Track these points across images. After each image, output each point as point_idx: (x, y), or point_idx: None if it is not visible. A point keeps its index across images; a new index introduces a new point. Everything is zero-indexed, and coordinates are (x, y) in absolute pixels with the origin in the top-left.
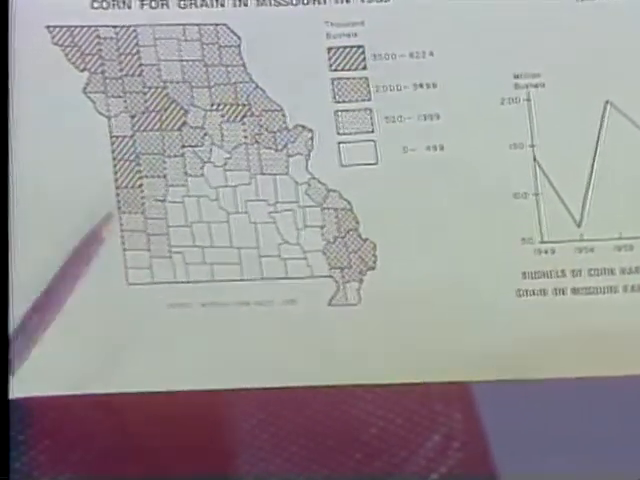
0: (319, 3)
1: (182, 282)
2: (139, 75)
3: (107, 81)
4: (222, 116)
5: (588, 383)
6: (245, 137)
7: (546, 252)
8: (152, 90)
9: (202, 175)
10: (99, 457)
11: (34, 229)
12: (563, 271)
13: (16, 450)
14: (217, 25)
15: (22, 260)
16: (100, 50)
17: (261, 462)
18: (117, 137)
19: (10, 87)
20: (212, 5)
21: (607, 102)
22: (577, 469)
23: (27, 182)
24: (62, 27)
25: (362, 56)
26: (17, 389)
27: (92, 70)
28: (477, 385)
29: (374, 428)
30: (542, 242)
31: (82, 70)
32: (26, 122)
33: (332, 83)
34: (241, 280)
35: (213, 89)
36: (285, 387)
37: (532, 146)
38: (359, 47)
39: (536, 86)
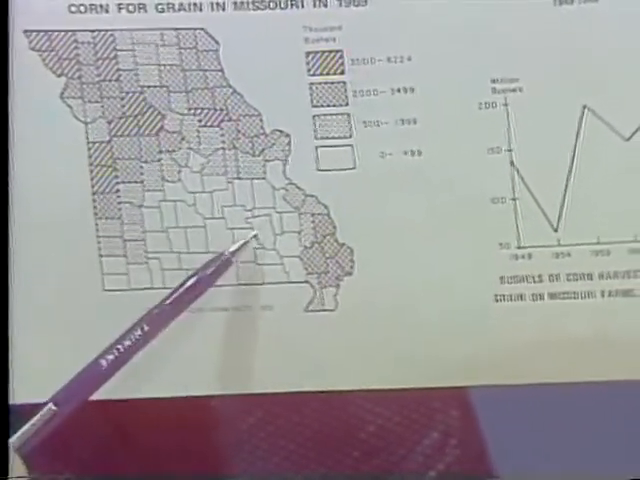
0: (297, 8)
1: (159, 288)
2: (116, 80)
3: (84, 86)
4: (199, 121)
5: (578, 384)
6: (222, 142)
7: (523, 257)
8: (129, 95)
9: (179, 180)
10: (98, 457)
11: (14, 233)
12: (540, 276)
13: None
14: (195, 30)
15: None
16: (78, 55)
17: (259, 460)
18: (94, 142)
19: None
20: (190, 9)
21: (585, 107)
22: (572, 466)
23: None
24: (39, 32)
25: (340, 61)
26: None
27: (69, 75)
28: None
29: (372, 426)
30: (519, 247)
31: (59, 75)
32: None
33: (310, 88)
34: (217, 286)
35: (190, 94)
36: (261, 393)
37: (510, 151)
38: (337, 52)
39: (514, 91)
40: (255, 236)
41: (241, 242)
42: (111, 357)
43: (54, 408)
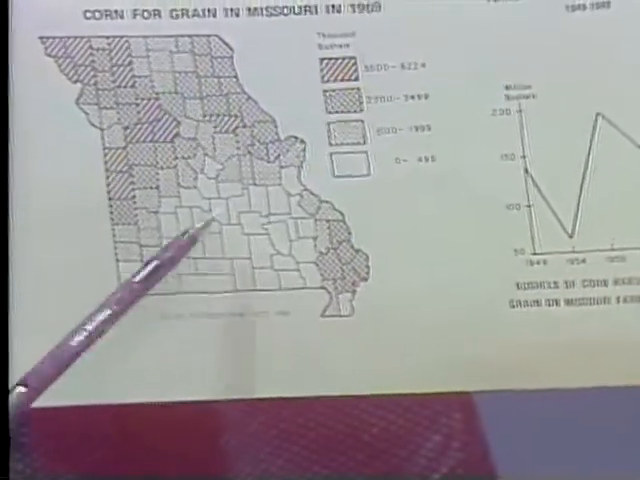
0: (311, 14)
1: (175, 293)
2: (132, 86)
3: (100, 92)
4: (214, 127)
5: (587, 389)
6: (237, 148)
7: (538, 263)
8: (145, 101)
9: (195, 186)
10: (102, 461)
11: (26, 239)
12: (556, 282)
13: (17, 452)
14: (209, 36)
15: (22, 267)
16: (93, 61)
17: (263, 463)
18: (110, 149)
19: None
20: (204, 16)
21: (598, 114)
22: (574, 469)
23: (19, 194)
24: (55, 38)
25: (354, 67)
26: None
27: (85, 81)
28: None
29: (375, 429)
30: (534, 253)
31: (75, 81)
32: (18, 134)
33: (324, 94)
34: (234, 291)
35: (205, 100)
36: (277, 398)
37: (523, 157)
38: (351, 58)
39: (527, 97)
40: (214, 218)
41: (203, 223)
42: (80, 337)
43: (23, 390)
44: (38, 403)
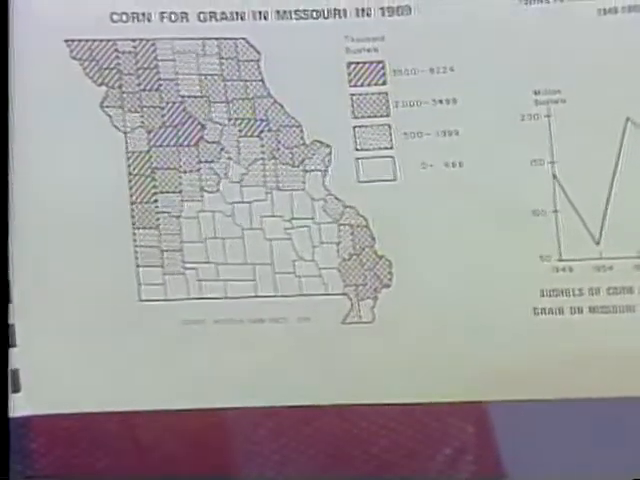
0: (339, 17)
1: (195, 299)
2: (157, 90)
3: (124, 95)
4: (239, 131)
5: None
6: (262, 152)
7: (564, 270)
8: (169, 105)
9: (218, 191)
10: (109, 467)
11: (47, 242)
12: (581, 289)
13: (23, 460)
14: (236, 39)
15: (30, 275)
16: (118, 64)
17: (270, 472)
18: (133, 152)
19: (24, 101)
20: (232, 19)
21: (627, 119)
22: None
23: (41, 196)
24: (81, 41)
25: (382, 71)
26: (26, 406)
27: (110, 85)
28: None
29: (385, 440)
30: (560, 260)
31: (100, 84)
32: (42, 136)
33: (351, 98)
34: (255, 297)
35: (231, 104)
36: (298, 406)
37: (552, 163)
38: (379, 62)
39: (556, 102)
40: None
41: None
42: None
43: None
44: (53, 410)
